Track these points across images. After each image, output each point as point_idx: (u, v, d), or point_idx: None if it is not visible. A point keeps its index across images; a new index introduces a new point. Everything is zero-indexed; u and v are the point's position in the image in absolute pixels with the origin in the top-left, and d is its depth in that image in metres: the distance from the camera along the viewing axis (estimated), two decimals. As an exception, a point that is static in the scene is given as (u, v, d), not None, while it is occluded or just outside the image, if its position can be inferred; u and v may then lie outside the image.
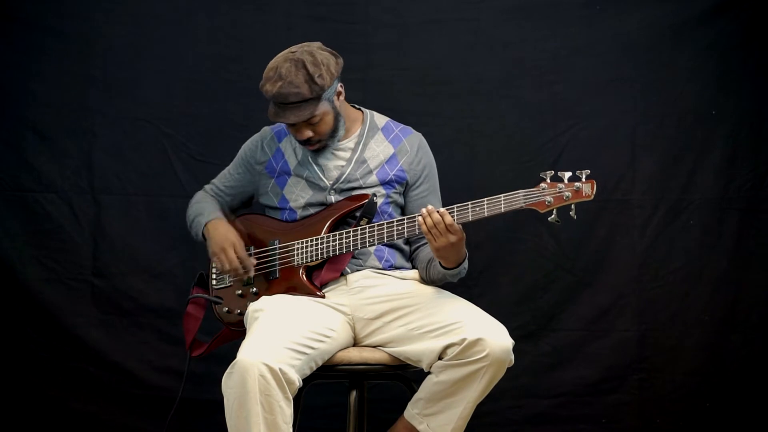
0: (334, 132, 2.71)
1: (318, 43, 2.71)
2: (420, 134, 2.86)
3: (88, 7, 3.50)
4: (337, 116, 2.71)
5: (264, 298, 2.66)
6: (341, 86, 2.71)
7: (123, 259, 3.51)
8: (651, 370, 3.45)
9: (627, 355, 3.46)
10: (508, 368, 2.51)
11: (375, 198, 2.69)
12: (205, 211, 2.86)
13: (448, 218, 2.46)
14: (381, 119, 2.85)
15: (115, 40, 3.51)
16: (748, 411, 3.41)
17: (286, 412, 2.38)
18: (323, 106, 2.66)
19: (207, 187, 2.96)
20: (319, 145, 2.72)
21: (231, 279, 2.79)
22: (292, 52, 2.66)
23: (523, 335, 3.40)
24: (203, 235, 2.83)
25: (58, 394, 3.48)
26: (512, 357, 2.50)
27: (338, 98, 2.71)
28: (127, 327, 3.51)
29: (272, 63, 2.67)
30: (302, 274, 2.69)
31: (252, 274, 2.74)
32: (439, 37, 3.50)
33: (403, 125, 2.86)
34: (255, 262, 2.75)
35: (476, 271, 3.41)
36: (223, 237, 2.75)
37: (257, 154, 2.85)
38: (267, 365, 2.34)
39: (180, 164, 3.51)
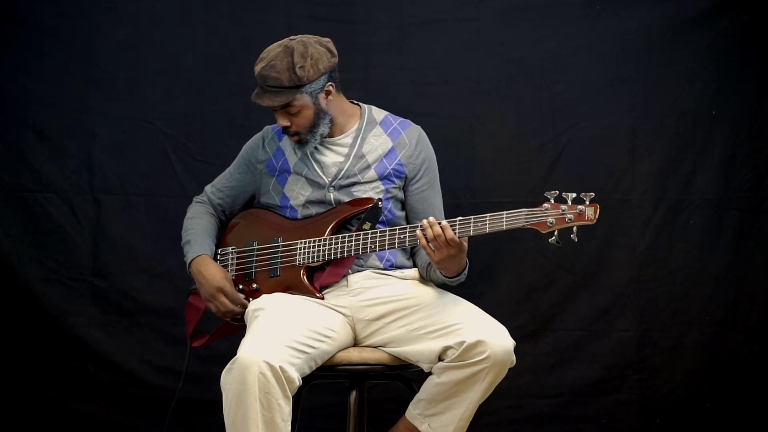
0: (313, 128, 2.70)
1: (324, 39, 2.71)
2: (419, 127, 2.85)
3: (88, 7, 3.50)
4: (318, 113, 2.69)
5: (264, 297, 2.66)
6: (332, 86, 2.70)
7: (123, 259, 3.51)
8: (651, 370, 3.45)
9: (627, 355, 3.45)
10: (508, 368, 2.51)
11: (380, 203, 2.69)
12: (193, 238, 2.83)
13: (449, 232, 2.45)
14: (379, 113, 2.84)
15: (115, 40, 3.51)
16: (748, 411, 3.41)
17: (284, 410, 2.38)
18: (303, 99, 2.65)
19: (207, 189, 2.94)
20: (297, 138, 2.72)
21: (233, 273, 2.79)
22: (291, 39, 2.68)
23: (523, 335, 3.39)
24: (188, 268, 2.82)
25: (58, 394, 3.49)
26: (514, 358, 2.50)
27: (326, 96, 2.70)
28: (127, 327, 3.51)
29: (269, 47, 2.70)
30: (303, 274, 2.69)
31: (246, 303, 2.73)
32: (439, 37, 3.50)
33: (402, 118, 2.85)
34: (245, 302, 2.73)
35: (476, 271, 3.38)
36: (211, 284, 2.73)
37: (258, 153, 2.85)
38: (267, 363, 2.34)
39: (180, 164, 3.51)
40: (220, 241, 2.87)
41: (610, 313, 3.46)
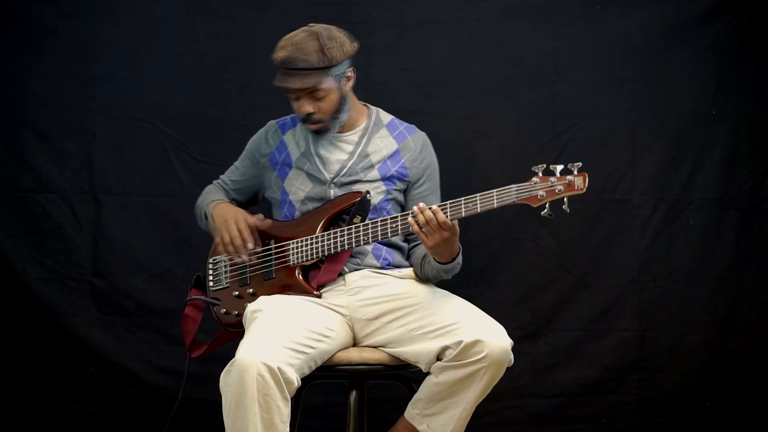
0: (336, 114, 2.70)
1: (341, 29, 2.73)
2: (424, 134, 2.86)
3: (88, 7, 3.50)
4: (342, 98, 2.70)
5: (262, 299, 2.66)
6: (352, 71, 2.72)
7: (123, 259, 3.51)
8: (651, 370, 3.45)
9: (627, 355, 3.46)
10: (507, 368, 2.51)
11: (369, 195, 2.69)
12: (211, 198, 2.87)
13: (441, 216, 2.45)
14: (386, 116, 2.85)
15: (115, 40, 3.51)
16: (748, 411, 3.41)
17: (283, 411, 2.38)
18: (329, 82, 2.66)
19: (216, 181, 2.96)
20: (320, 125, 2.71)
21: (228, 280, 2.79)
22: (310, 26, 2.69)
23: (523, 335, 3.40)
24: (206, 216, 2.81)
25: (58, 394, 3.49)
26: (511, 357, 2.50)
27: (347, 82, 2.71)
28: (127, 327, 3.51)
29: (287, 35, 2.69)
30: (298, 274, 2.68)
31: (250, 246, 2.69)
32: (439, 37, 3.50)
33: (408, 123, 2.86)
34: (251, 245, 2.69)
35: (476, 271, 3.41)
36: (227, 211, 2.73)
37: (261, 146, 2.85)
38: (266, 364, 2.34)
39: (180, 164, 3.51)
40: (213, 251, 2.86)
41: (610, 313, 3.46)
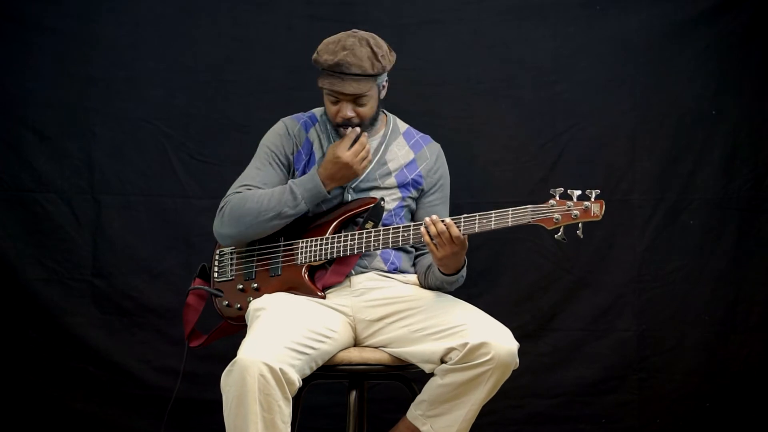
0: (372, 121, 2.71)
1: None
2: (439, 145, 2.87)
3: (88, 7, 3.50)
4: (378, 106, 2.71)
5: (266, 297, 2.66)
6: (387, 81, 2.73)
7: (123, 259, 3.51)
8: (651, 370, 3.45)
9: (627, 355, 3.45)
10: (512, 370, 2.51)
11: (383, 203, 2.69)
12: (285, 187, 2.68)
13: (455, 230, 2.45)
14: (402, 125, 2.87)
15: (115, 40, 3.50)
16: (748, 411, 3.41)
17: (284, 411, 2.38)
18: (374, 89, 2.67)
19: (240, 189, 2.73)
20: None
21: (233, 272, 2.78)
22: (354, 32, 2.68)
23: (523, 335, 3.38)
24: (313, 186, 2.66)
25: (58, 394, 3.48)
26: (517, 360, 2.50)
27: (383, 91, 2.72)
28: (127, 327, 3.51)
29: (331, 39, 2.67)
30: (304, 273, 2.68)
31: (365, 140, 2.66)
32: (438, 37, 3.50)
33: (422, 133, 2.87)
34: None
35: (476, 271, 3.39)
36: (328, 164, 2.63)
37: (289, 144, 2.79)
38: (267, 365, 2.34)
39: (180, 164, 3.51)
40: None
41: (610, 313, 3.46)
